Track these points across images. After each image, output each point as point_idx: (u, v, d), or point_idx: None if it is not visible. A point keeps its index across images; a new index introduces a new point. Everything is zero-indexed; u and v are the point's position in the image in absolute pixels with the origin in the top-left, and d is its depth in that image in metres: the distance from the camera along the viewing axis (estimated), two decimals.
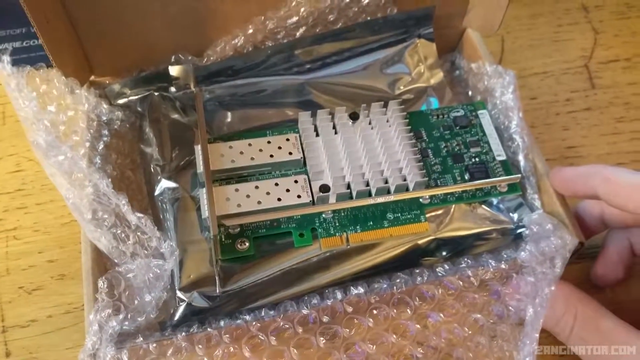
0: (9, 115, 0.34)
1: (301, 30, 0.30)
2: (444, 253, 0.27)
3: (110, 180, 0.26)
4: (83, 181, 0.23)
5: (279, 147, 0.28)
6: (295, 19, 0.29)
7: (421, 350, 0.23)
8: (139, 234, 0.23)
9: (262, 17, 0.29)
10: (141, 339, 0.23)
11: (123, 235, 0.23)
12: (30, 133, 0.22)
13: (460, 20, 0.32)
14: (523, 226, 0.27)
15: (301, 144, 0.28)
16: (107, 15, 0.27)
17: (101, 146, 0.28)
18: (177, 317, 0.25)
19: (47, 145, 0.22)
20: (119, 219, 0.23)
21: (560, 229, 0.25)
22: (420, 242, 0.27)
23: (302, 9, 0.29)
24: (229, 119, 0.30)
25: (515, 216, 0.27)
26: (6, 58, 0.23)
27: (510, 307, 0.24)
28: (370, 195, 0.27)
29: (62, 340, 0.27)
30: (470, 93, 0.32)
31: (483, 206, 0.28)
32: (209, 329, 0.23)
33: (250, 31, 0.29)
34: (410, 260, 0.26)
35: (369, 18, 0.31)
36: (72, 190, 0.23)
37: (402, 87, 0.32)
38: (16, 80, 0.22)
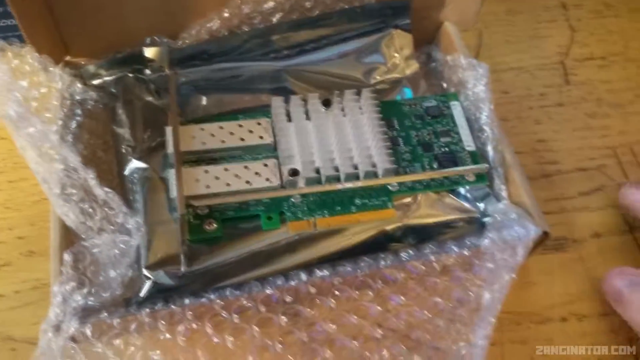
0: None
1: (278, 15, 0.30)
2: (411, 240, 0.27)
3: (80, 158, 0.26)
4: (52, 155, 0.23)
5: (250, 131, 0.28)
6: (271, 4, 0.29)
7: (380, 331, 0.23)
8: (106, 209, 0.24)
9: (238, 1, 0.29)
10: (106, 314, 0.23)
11: (91, 210, 0.24)
12: (2, 106, 0.23)
13: (437, 13, 0.33)
14: (489, 215, 0.27)
15: (273, 128, 0.28)
16: None
17: (74, 125, 0.28)
18: (142, 294, 0.25)
19: (18, 117, 0.22)
20: (87, 194, 0.24)
21: (524, 219, 0.26)
22: (387, 228, 0.27)
23: None
24: (204, 103, 0.30)
25: (481, 206, 0.28)
26: None
27: (470, 293, 0.24)
28: (339, 180, 0.27)
29: (28, 315, 0.27)
30: (445, 85, 0.33)
31: (450, 195, 0.28)
32: (172, 307, 0.24)
33: (226, 15, 0.29)
34: (377, 245, 0.27)
35: (346, 7, 0.31)
36: (42, 164, 0.23)
37: (377, 77, 0.32)
38: None
